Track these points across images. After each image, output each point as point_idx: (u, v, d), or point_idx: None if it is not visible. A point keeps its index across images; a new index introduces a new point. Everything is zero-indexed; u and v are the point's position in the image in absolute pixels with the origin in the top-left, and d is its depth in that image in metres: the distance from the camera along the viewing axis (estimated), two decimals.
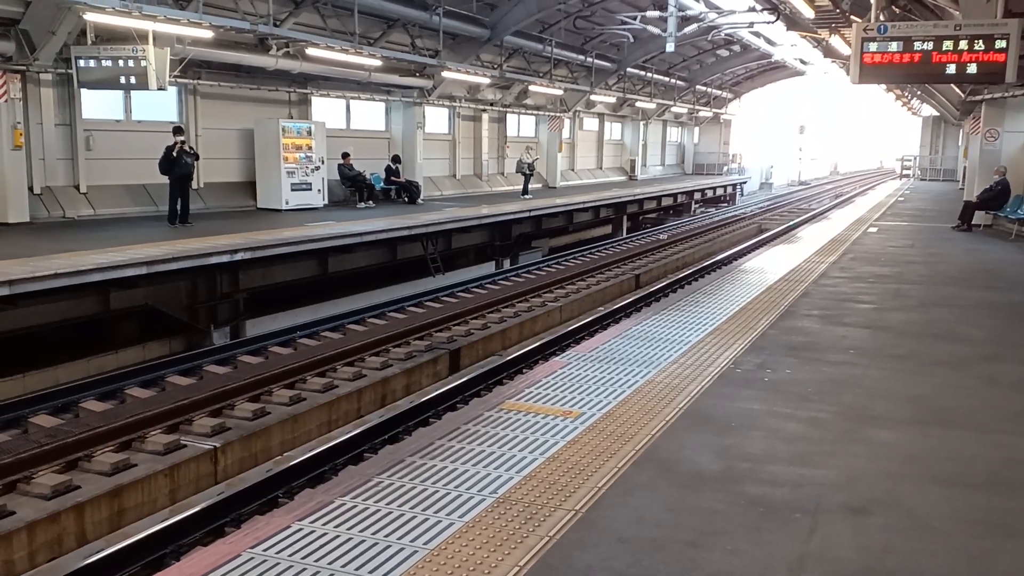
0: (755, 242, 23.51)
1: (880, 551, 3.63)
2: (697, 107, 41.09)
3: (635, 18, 22.57)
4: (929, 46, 9.64)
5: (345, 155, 19.39)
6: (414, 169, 22.08)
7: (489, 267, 19.86)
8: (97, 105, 15.20)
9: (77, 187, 14.88)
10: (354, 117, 21.55)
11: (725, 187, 39.77)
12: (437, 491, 4.15)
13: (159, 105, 16.25)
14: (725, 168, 45.24)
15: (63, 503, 6.54)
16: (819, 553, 3.60)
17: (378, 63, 18.48)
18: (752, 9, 22.60)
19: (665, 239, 24.55)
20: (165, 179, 14.46)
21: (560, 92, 27.41)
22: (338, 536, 3.69)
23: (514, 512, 3.90)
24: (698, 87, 39.37)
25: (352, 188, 19.57)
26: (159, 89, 13.35)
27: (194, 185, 15.74)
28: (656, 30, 22.67)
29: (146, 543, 6.26)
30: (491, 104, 26.25)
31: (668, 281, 18.17)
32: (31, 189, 14.05)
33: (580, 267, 18.78)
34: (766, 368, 6.47)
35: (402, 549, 3.57)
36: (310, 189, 18.12)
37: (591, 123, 34.80)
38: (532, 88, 25.74)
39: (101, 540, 6.59)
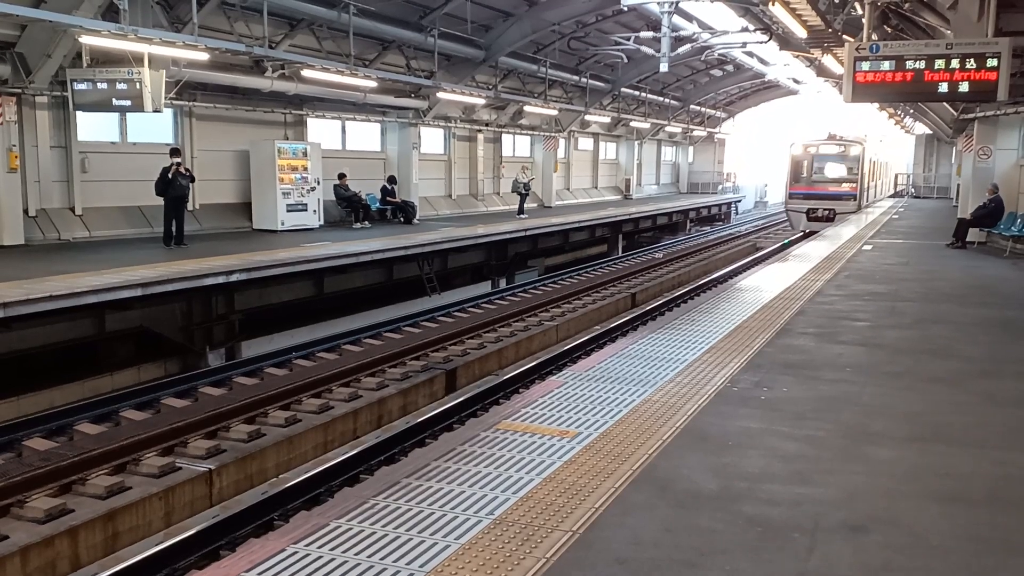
0: (750, 260, 23.58)
1: (880, 569, 3.61)
2: (691, 126, 41.29)
3: (629, 39, 22.69)
4: (921, 65, 9.71)
5: (341, 176, 19.44)
6: (410, 189, 22.14)
7: (485, 286, 19.87)
8: (92, 127, 15.23)
9: (72, 209, 14.88)
10: (350, 138, 21.62)
11: (720, 206, 39.93)
12: (433, 513, 4.12)
13: (155, 127, 16.29)
14: (720, 187, 45.43)
15: (57, 527, 6.49)
16: (818, 572, 3.57)
17: (373, 84, 18.56)
18: (745, 29, 22.75)
19: (661, 258, 24.59)
20: (160, 200, 14.46)
21: (555, 112, 27.54)
22: (333, 559, 3.66)
23: (511, 533, 3.87)
24: (692, 106, 39.57)
25: (348, 209, 19.60)
26: (155, 111, 13.37)
27: (189, 206, 15.76)
28: (650, 50, 22.79)
29: (140, 567, 6.21)
30: (486, 124, 26.37)
31: (664, 300, 18.18)
32: (26, 211, 14.06)
33: (576, 286, 18.79)
34: (763, 386, 6.45)
35: (398, 572, 3.54)
36: (306, 210, 18.14)
37: (586, 143, 34.95)
38: (527, 108, 25.86)
39: (95, 564, 6.54)
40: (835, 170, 28.92)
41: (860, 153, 28.22)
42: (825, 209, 27.90)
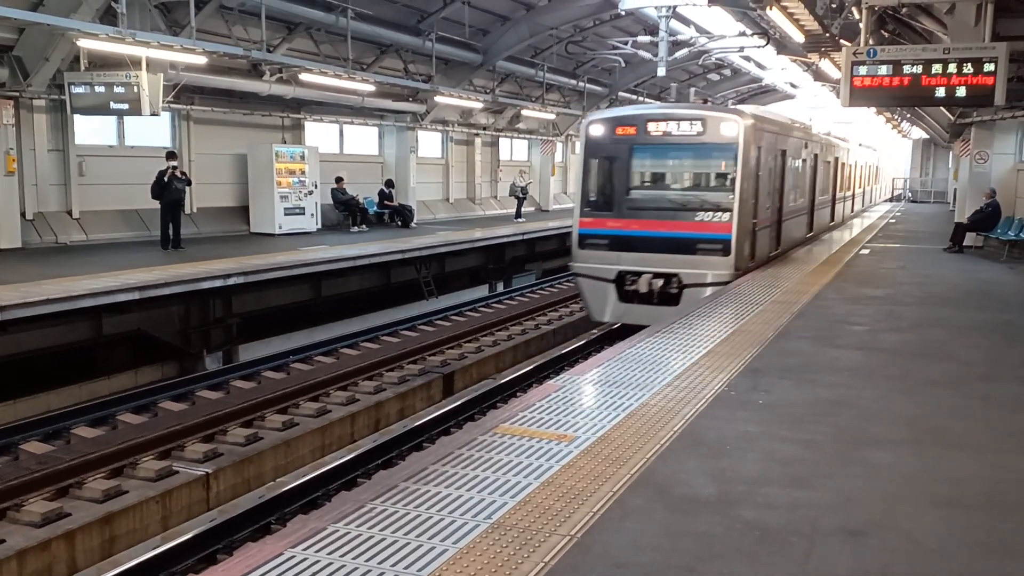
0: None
1: (878, 573, 3.60)
2: None
3: (626, 43, 22.68)
4: (918, 69, 9.72)
5: (339, 179, 19.43)
6: (407, 193, 22.13)
7: (483, 290, 19.87)
8: (90, 131, 15.22)
9: (69, 212, 14.86)
10: (347, 142, 21.62)
11: None
12: (431, 517, 4.11)
13: (152, 131, 16.28)
14: None
15: (54, 531, 6.47)
16: None
17: (371, 88, 18.57)
18: (742, 34, 22.74)
19: None
20: (157, 204, 14.46)
21: (552, 116, 27.56)
22: (331, 564, 3.65)
23: (509, 538, 3.86)
24: None
25: (345, 212, 19.59)
26: (152, 115, 13.38)
27: (187, 210, 15.75)
28: (647, 55, 22.77)
29: (137, 571, 6.20)
30: (484, 128, 26.38)
31: None
32: (23, 215, 14.04)
33: (574, 289, 18.75)
34: (760, 390, 6.45)
35: None
36: (303, 213, 18.13)
37: None
38: (524, 112, 25.88)
39: (92, 568, 6.53)
40: (684, 180, 13.59)
41: (739, 138, 12.08)
42: (655, 276, 12.14)
